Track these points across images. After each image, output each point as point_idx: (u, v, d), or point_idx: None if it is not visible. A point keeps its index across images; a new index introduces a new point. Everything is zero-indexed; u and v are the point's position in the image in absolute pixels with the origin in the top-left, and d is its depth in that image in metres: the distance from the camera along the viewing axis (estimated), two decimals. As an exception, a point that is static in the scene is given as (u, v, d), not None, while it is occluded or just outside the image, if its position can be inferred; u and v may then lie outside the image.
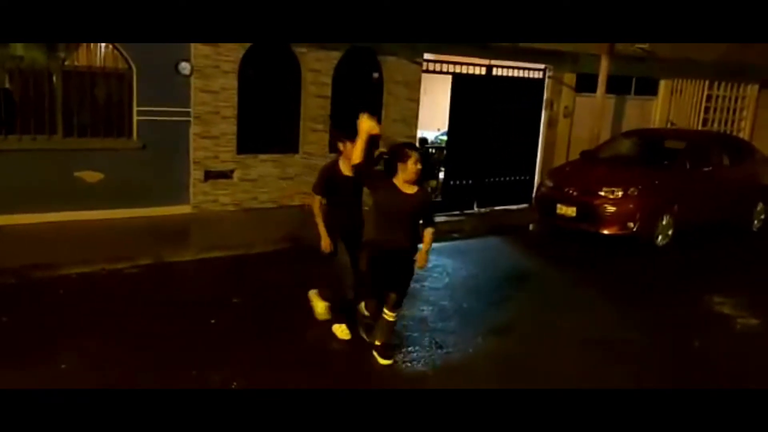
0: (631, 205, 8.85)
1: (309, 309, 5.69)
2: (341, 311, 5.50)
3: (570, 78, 12.27)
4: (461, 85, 10.81)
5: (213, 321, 5.64)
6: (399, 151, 4.79)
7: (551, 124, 12.29)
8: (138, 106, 8.39)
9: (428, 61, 10.56)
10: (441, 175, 11.38)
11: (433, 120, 12.72)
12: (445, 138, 11.78)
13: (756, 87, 15.82)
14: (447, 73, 10.74)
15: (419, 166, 4.71)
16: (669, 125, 14.12)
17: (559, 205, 9.28)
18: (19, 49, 7.71)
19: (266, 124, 9.59)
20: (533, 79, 11.88)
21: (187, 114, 8.75)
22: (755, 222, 10.80)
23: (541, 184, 10.57)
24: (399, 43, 9.90)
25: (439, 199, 11.10)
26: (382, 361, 5.00)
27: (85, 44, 8.05)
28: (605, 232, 8.91)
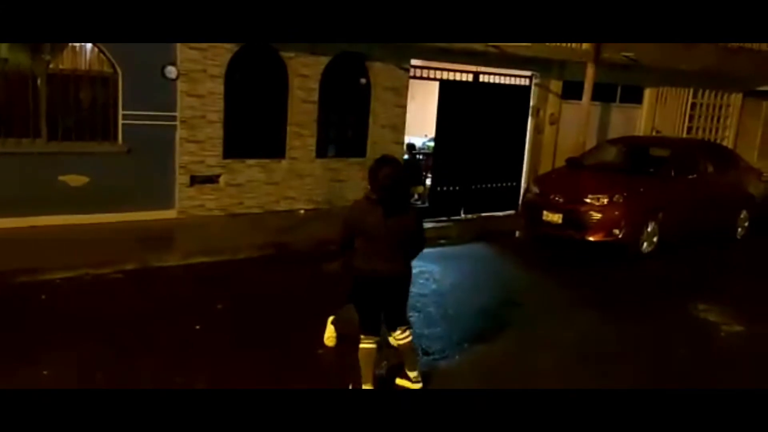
0: (616, 212, 8.90)
1: (293, 314, 5.63)
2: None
3: (556, 85, 12.35)
4: (448, 92, 10.84)
5: (198, 327, 5.60)
6: None
7: (537, 130, 12.36)
8: (123, 109, 8.33)
9: (415, 67, 10.58)
10: (428, 181, 11.42)
11: (421, 126, 12.74)
12: (432, 144, 11.82)
13: (740, 96, 16.00)
14: (434, 79, 10.77)
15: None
16: (654, 133, 14.23)
17: (545, 212, 9.31)
18: (3, 51, 7.64)
19: (253, 128, 9.55)
20: (520, 86, 11.94)
21: (173, 118, 8.70)
22: (739, 229, 10.89)
23: (527, 191, 10.62)
24: (387, 49, 9.93)
25: (426, 205, 11.14)
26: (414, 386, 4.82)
27: (70, 47, 7.99)
28: (591, 238, 8.95)
